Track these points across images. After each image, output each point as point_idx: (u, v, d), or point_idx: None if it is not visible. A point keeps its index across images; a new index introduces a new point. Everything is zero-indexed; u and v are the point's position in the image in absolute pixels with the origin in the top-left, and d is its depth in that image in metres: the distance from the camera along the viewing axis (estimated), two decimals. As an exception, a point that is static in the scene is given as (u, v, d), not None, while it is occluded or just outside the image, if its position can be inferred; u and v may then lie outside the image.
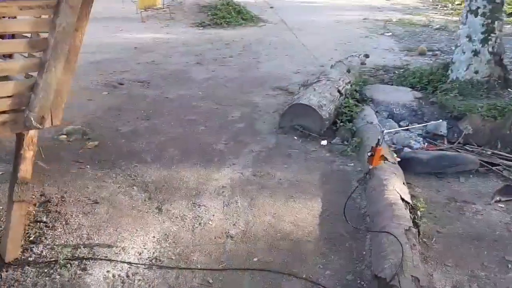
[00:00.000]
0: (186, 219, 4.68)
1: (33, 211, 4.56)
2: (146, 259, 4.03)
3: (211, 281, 3.84)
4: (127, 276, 3.83)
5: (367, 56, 9.35)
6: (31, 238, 4.17)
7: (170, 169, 5.72)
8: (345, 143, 6.68)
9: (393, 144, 6.73)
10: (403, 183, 5.21)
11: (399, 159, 5.88)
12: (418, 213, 4.83)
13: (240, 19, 17.25)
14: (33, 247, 4.05)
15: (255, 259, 4.14)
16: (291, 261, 4.14)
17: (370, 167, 4.38)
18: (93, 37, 12.78)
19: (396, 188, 4.91)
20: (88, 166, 5.67)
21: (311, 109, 6.80)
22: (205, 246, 4.26)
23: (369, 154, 4.29)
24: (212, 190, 5.27)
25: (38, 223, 4.38)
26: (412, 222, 4.39)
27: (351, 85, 7.95)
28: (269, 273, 3.96)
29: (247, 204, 5.01)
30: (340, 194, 5.25)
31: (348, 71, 8.39)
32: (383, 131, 4.38)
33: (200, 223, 4.61)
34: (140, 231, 4.41)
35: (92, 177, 5.37)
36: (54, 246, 4.09)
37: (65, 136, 6.52)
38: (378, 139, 4.32)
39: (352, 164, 6.07)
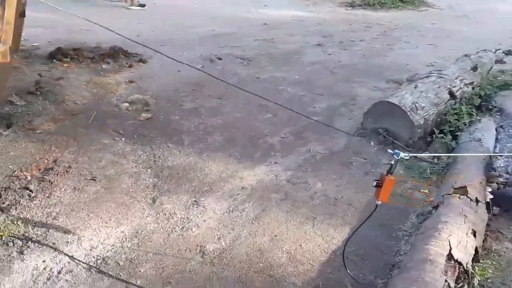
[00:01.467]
0: (172, 218, 3.94)
1: (29, 176, 4.29)
2: (93, 257, 3.43)
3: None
4: (58, 273, 3.30)
5: (509, 52, 7.04)
6: (3, 205, 3.89)
7: (200, 156, 4.98)
8: (435, 161, 5.04)
9: (508, 173, 4.87)
10: (473, 233, 3.59)
11: (491, 196, 4.16)
12: (474, 280, 3.24)
13: (398, 1, 15.33)
14: (-3, 215, 3.77)
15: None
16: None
17: (377, 202, 3.00)
18: (228, 11, 12.76)
19: (452, 237, 3.38)
20: (123, 139, 5.28)
21: (400, 110, 5.32)
22: (165, 258, 3.49)
23: (374, 183, 2.92)
24: (227, 190, 4.39)
25: (24, 190, 4.09)
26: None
27: (473, 88, 6.05)
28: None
29: (254, 216, 4.03)
30: (383, 229, 3.88)
31: (474, 68, 6.41)
32: (397, 154, 2.92)
33: (182, 228, 3.83)
34: (112, 222, 3.83)
35: (117, 152, 4.97)
36: (16, 219, 3.74)
37: (127, 104, 6.29)
38: (391, 165, 2.90)
39: (426, 191, 4.50)
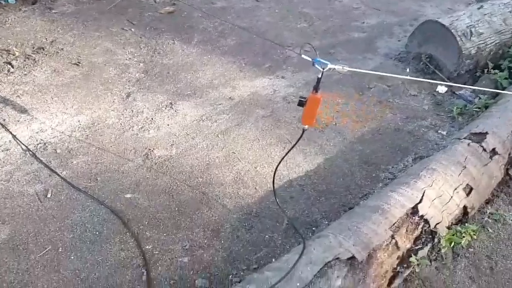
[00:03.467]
0: (136, 117, 3.62)
1: (17, 52, 4.18)
2: (35, 140, 3.26)
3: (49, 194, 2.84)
4: (-5, 149, 3.15)
5: None
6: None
7: (201, 58, 4.52)
8: (477, 100, 4.10)
9: None
10: (467, 189, 2.86)
11: None
12: (440, 245, 2.60)
13: None
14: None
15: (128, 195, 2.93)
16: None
17: (303, 126, 2.34)
18: None
19: (431, 188, 2.72)
20: (133, 30, 4.95)
21: (449, 34, 4.29)
22: (105, 154, 3.28)
23: (299, 100, 2.25)
24: (212, 97, 3.94)
25: (6, 65, 4.00)
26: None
27: None
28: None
29: (224, 128, 3.58)
30: (366, 167, 3.29)
31: None
32: (321, 64, 2.17)
33: (141, 128, 3.51)
34: (73, 109, 3.60)
35: (118, 41, 4.67)
36: (-18, 91, 3.67)
37: (156, -5, 5.85)
38: (317, 79, 2.19)
39: (444, 133, 3.67)
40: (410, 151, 3.45)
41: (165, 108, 3.73)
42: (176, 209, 2.80)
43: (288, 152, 2.45)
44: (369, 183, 3.12)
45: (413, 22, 5.65)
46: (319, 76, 2.03)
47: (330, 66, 2.03)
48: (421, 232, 2.63)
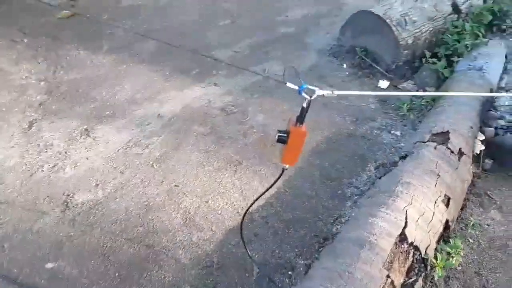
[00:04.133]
0: (45, 152, 2.87)
1: None
2: None
3: None
4: None
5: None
6: None
7: (116, 68, 3.81)
8: (418, 93, 3.83)
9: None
10: (445, 200, 2.51)
11: (482, 147, 3.02)
12: (434, 273, 2.22)
13: None
14: None
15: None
16: None
17: (284, 166, 1.82)
18: None
19: (412, 207, 2.31)
20: (25, 41, 4.10)
21: (384, 24, 3.97)
22: (12, 209, 2.56)
23: (277, 137, 1.72)
24: (137, 116, 3.28)
25: None
26: None
27: (485, 1, 4.63)
28: None
29: (158, 155, 2.93)
30: (328, 183, 2.80)
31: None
32: (306, 90, 1.68)
33: (53, 166, 2.77)
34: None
35: (8, 56, 3.82)
36: None
37: (50, -3, 4.93)
38: (302, 109, 1.68)
39: (398, 134, 3.32)
40: (369, 158, 3.09)
41: (80, 137, 3.02)
42: (117, 274, 2.16)
43: (259, 197, 1.91)
44: (337, 203, 2.71)
45: (338, 13, 5.36)
46: (304, 105, 1.52)
47: (318, 92, 1.52)
48: (413, 262, 2.26)
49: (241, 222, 1.99)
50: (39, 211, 2.45)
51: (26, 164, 2.77)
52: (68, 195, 2.59)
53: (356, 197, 2.78)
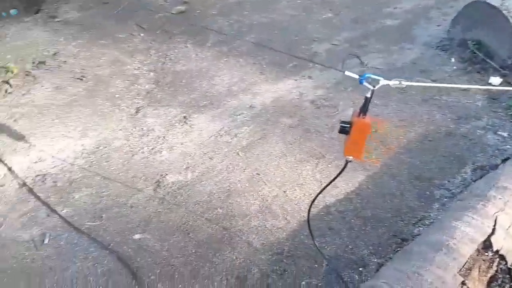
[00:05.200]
0: (146, 136, 3.18)
1: (16, 70, 3.80)
2: (33, 172, 2.90)
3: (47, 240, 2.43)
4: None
5: None
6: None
7: (217, 61, 4.05)
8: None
9: None
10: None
11: None
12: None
13: None
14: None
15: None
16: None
17: (348, 158, 1.80)
18: None
19: (503, 213, 2.18)
20: (142, 35, 4.57)
21: (500, 16, 3.68)
22: (112, 185, 2.86)
23: (339, 127, 1.72)
24: (230, 107, 3.48)
25: (3, 84, 3.62)
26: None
27: None
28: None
29: (245, 144, 3.09)
30: (417, 183, 2.73)
31: None
32: (367, 79, 1.63)
33: (152, 149, 3.06)
34: (76, 132, 3.22)
35: (125, 49, 4.25)
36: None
37: (165, -5, 5.40)
38: (366, 99, 1.65)
39: (505, 135, 3.09)
40: (467, 159, 2.87)
41: (179, 124, 3.27)
42: (193, 251, 2.33)
43: (324, 188, 1.92)
44: (423, 204, 2.58)
45: (453, 4, 5.00)
46: (368, 95, 1.50)
47: (382, 82, 1.49)
48: (497, 271, 2.08)
49: (308, 213, 2.02)
50: (135, 188, 2.73)
51: (129, 146, 3.09)
52: (162, 175, 2.83)
53: (445, 199, 2.63)
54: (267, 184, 2.73)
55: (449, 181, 2.74)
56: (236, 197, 2.66)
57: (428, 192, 2.67)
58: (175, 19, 4.77)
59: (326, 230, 2.46)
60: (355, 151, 1.68)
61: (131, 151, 3.04)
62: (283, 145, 3.05)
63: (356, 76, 1.52)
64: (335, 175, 1.76)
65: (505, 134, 3.13)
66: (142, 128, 3.25)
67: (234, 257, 2.32)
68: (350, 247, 2.37)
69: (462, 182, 2.71)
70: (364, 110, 1.58)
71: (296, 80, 3.77)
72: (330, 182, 1.89)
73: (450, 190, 2.67)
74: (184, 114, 3.38)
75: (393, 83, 1.53)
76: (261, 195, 2.67)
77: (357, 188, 2.71)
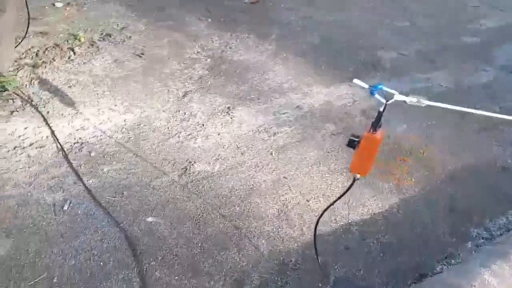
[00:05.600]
0: (186, 121, 3.23)
1: (83, 39, 3.99)
2: (73, 139, 3.01)
3: (66, 207, 2.54)
4: (30, 144, 2.96)
5: None
6: (39, 61, 3.69)
7: (275, 56, 4.00)
8: None
9: None
10: None
11: None
12: None
13: None
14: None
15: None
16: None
17: (355, 175, 1.66)
18: None
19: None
20: (209, 20, 4.60)
21: None
22: (140, 164, 2.88)
23: (349, 139, 1.58)
24: (277, 104, 3.42)
25: (68, 51, 3.82)
26: None
27: None
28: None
29: (281, 144, 3.02)
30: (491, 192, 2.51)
31: None
32: (379, 90, 1.46)
33: (188, 135, 3.08)
34: (122, 107, 3.32)
35: (189, 33, 4.33)
36: (36, 78, 3.51)
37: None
38: (378, 113, 1.49)
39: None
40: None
41: (221, 113, 3.24)
42: (200, 244, 2.29)
43: (331, 204, 1.79)
44: (455, 240, 2.35)
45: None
46: (381, 109, 1.36)
47: (397, 97, 1.35)
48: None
49: (315, 228, 1.90)
50: (161, 171, 2.74)
51: (168, 128, 3.11)
52: (190, 162, 2.83)
53: (482, 240, 2.38)
54: (291, 190, 2.63)
55: (491, 221, 2.47)
56: (257, 198, 2.58)
57: (463, 228, 2.43)
58: (245, 8, 4.75)
59: (342, 249, 2.31)
60: (361, 168, 1.54)
61: (169, 133, 3.06)
62: (319, 151, 2.92)
63: (366, 86, 1.37)
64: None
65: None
66: (184, 113, 3.25)
67: (238, 259, 2.25)
68: (362, 272, 2.21)
69: (506, 225, 2.43)
70: (375, 125, 1.43)
71: (351, 86, 3.60)
72: (335, 201, 1.75)
73: (490, 230, 2.41)
74: (229, 105, 3.35)
75: (409, 99, 1.37)
76: (283, 200, 2.57)
77: (386, 210, 2.52)
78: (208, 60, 3.89)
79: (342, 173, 2.77)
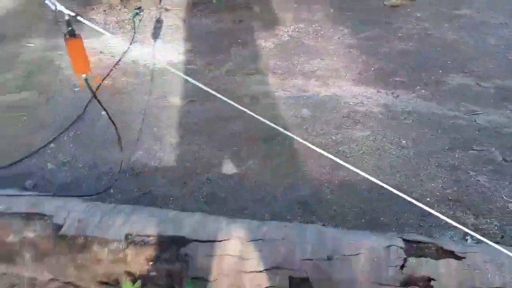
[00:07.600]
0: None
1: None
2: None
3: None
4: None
5: None
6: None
7: (348, 51, 4.34)
8: None
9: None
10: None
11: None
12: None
13: None
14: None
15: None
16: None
17: (82, 76, 1.98)
18: None
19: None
20: (332, 10, 5.10)
21: None
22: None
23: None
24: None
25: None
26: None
27: None
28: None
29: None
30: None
31: None
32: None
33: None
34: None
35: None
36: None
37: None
38: (67, 22, 1.90)
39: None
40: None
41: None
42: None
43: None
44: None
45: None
46: (67, 18, 1.87)
47: (60, 7, 1.82)
48: None
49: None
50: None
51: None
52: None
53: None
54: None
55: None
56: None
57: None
58: (383, 10, 4.92)
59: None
60: (84, 67, 1.89)
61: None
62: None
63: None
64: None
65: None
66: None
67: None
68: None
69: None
70: (71, 32, 1.85)
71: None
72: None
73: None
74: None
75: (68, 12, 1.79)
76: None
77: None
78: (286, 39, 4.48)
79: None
